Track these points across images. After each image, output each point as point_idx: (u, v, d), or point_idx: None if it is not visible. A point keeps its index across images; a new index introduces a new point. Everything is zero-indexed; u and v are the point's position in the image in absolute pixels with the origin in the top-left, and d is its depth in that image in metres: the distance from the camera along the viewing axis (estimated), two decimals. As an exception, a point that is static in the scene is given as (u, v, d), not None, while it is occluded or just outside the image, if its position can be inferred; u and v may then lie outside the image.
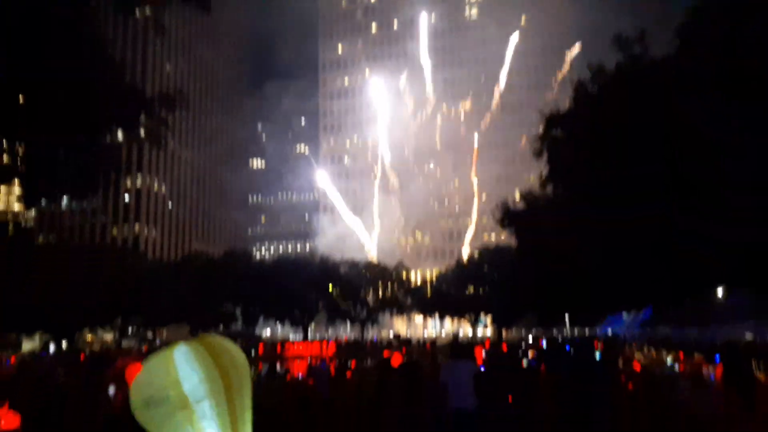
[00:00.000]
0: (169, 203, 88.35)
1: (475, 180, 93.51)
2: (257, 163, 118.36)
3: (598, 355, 10.86)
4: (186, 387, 1.14)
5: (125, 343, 47.06)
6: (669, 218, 13.09)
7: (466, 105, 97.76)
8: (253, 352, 49.28)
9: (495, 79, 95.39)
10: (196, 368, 1.16)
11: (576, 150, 14.07)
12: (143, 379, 1.17)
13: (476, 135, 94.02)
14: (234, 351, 1.26)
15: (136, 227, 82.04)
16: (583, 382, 8.06)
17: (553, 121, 16.86)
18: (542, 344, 21.78)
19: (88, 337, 51.66)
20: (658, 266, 15.05)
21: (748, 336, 11.46)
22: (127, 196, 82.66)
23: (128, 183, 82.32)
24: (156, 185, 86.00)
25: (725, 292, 15.34)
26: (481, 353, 11.14)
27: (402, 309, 64.65)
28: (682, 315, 15.31)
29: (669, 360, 17.13)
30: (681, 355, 16.88)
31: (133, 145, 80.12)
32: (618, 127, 12.38)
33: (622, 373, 12.02)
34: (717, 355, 11.07)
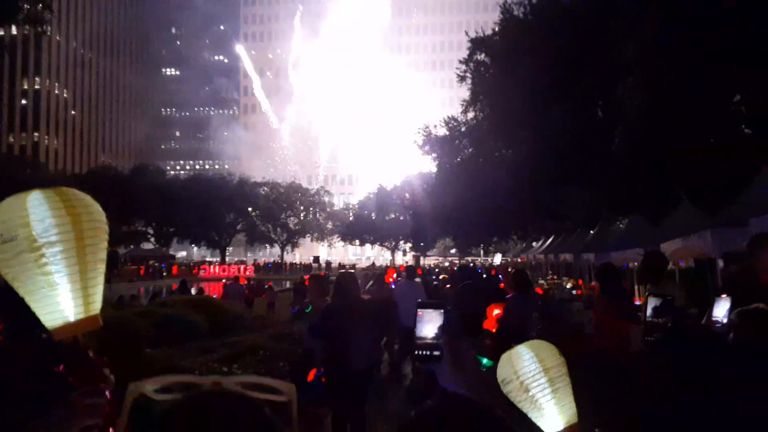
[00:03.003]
0: (72, 111, 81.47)
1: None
2: (171, 72, 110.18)
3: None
4: (36, 229, 1.14)
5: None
6: (585, 145, 13.40)
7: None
8: (165, 272, 48.32)
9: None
10: (49, 213, 1.15)
11: (498, 73, 13.90)
12: None
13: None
14: (91, 204, 1.24)
15: (35, 135, 75.52)
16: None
17: (477, 44, 16.52)
18: (454, 269, 22.45)
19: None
20: (568, 194, 15.59)
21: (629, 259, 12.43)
22: (23, 100, 75.38)
23: (24, 85, 74.87)
24: (57, 89, 78.63)
25: (624, 221, 16.32)
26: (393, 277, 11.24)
27: (323, 234, 64.86)
28: (583, 242, 16.17)
29: (569, 285, 18.17)
30: (580, 281, 17.96)
31: (25, 41, 72.56)
32: (541, 49, 12.24)
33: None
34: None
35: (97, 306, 1.23)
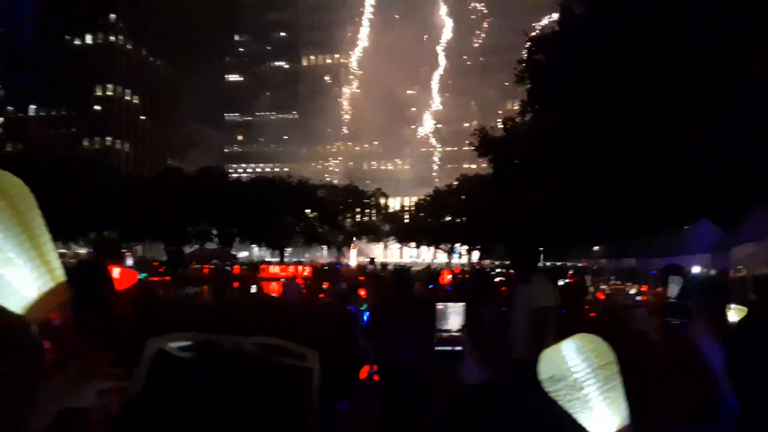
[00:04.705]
0: (141, 116, 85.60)
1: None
2: (234, 78, 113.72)
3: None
4: None
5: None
6: (649, 151, 12.89)
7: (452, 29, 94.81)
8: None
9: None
10: None
11: (559, 76, 13.55)
12: None
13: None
14: (8, 177, 1.16)
15: (107, 140, 79.77)
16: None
17: (537, 44, 16.17)
18: (510, 272, 22.07)
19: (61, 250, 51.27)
20: (632, 200, 15.03)
21: (699, 267, 11.77)
22: (96, 106, 79.80)
23: (98, 92, 79.22)
24: (128, 96, 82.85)
25: (692, 226, 15.57)
26: (447, 277, 11.19)
27: (379, 236, 65.23)
28: (648, 248, 15.55)
29: (633, 291, 17.53)
30: (645, 286, 17.30)
31: (103, 49, 76.84)
32: (605, 51, 11.86)
33: (587, 303, 12.22)
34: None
35: (59, 273, 1.17)
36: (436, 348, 1.63)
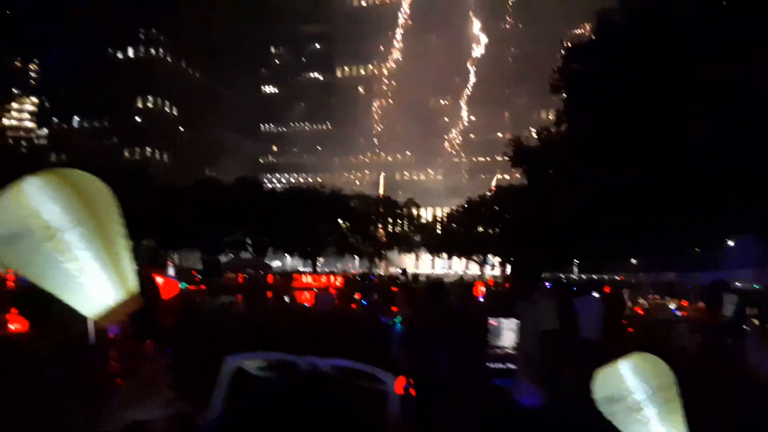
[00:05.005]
0: (180, 127, 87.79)
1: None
2: (270, 90, 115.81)
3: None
4: (47, 217, 1.03)
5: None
6: (688, 162, 12.56)
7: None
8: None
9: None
10: (52, 195, 1.05)
11: (596, 85, 13.35)
12: None
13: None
14: (91, 179, 1.16)
15: (147, 151, 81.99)
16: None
17: (573, 53, 15.98)
18: (546, 285, 21.72)
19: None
20: (670, 213, 14.66)
21: (745, 282, 11.32)
22: (138, 117, 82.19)
23: (138, 104, 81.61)
24: (167, 107, 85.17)
25: (734, 240, 15.09)
26: (481, 289, 11.07)
27: (411, 246, 65.15)
28: (688, 262, 15.10)
29: (672, 305, 17.01)
30: (684, 301, 16.77)
31: (144, 62, 79.19)
32: (644, 60, 11.64)
33: (624, 317, 11.95)
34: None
35: (133, 284, 1.16)
36: (489, 365, 1.58)
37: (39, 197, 1.05)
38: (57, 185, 1.07)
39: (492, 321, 1.46)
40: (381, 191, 73.60)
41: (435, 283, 5.35)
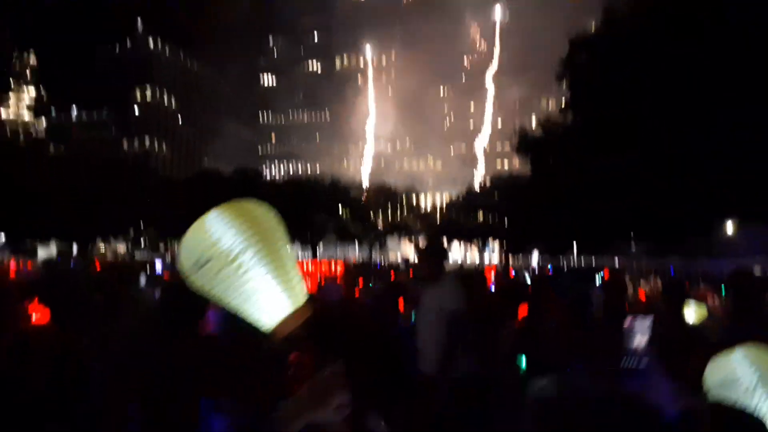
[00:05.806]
0: (179, 119, 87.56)
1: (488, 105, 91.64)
2: (268, 80, 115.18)
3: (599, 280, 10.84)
4: (224, 244, 1.22)
5: (138, 255, 48.20)
6: (689, 149, 12.69)
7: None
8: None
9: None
10: (228, 225, 1.24)
11: (601, 76, 13.44)
12: (185, 248, 1.26)
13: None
14: (260, 207, 1.36)
15: (146, 142, 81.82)
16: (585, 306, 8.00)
17: (578, 44, 16.03)
18: (549, 271, 22.00)
19: (101, 247, 52.81)
20: (671, 198, 14.80)
21: (757, 269, 11.38)
22: (136, 109, 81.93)
23: (138, 95, 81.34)
24: (166, 98, 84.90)
25: (736, 226, 15.20)
26: (491, 275, 11.24)
27: (411, 234, 65.28)
28: (690, 247, 15.26)
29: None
30: (686, 285, 16.91)
31: (142, 53, 78.88)
32: (648, 52, 11.74)
33: (626, 302, 12.08)
34: (722, 286, 10.99)
35: (302, 294, 1.30)
36: (623, 365, 1.46)
37: (216, 228, 1.24)
38: (232, 216, 1.26)
39: (626, 319, 1.43)
40: (380, 179, 73.62)
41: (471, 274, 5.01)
